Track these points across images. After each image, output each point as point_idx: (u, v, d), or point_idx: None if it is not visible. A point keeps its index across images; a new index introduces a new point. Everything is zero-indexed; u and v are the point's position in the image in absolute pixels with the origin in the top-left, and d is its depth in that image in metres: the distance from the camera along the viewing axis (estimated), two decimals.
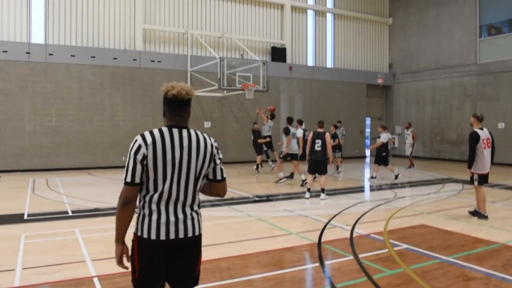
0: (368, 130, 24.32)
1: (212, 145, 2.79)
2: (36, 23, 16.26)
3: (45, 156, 15.90)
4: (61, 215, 8.25)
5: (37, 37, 16.23)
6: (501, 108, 18.83)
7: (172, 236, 2.63)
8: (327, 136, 10.27)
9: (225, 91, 17.48)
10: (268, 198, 10.47)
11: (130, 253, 2.73)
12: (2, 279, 4.86)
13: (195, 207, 2.78)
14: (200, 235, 2.77)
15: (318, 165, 10.30)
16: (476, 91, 19.93)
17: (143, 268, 2.67)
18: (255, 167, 15.56)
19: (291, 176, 13.41)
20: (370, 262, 5.50)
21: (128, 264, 2.77)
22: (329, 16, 22.76)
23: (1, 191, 11.25)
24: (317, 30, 22.35)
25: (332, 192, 11.29)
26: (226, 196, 10.23)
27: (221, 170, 2.86)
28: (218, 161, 2.82)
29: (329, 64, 22.82)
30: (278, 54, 20.44)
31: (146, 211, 2.67)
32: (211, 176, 2.84)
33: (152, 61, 17.58)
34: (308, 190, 10.45)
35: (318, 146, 10.22)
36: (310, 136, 10.40)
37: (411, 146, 17.29)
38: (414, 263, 5.48)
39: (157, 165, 2.61)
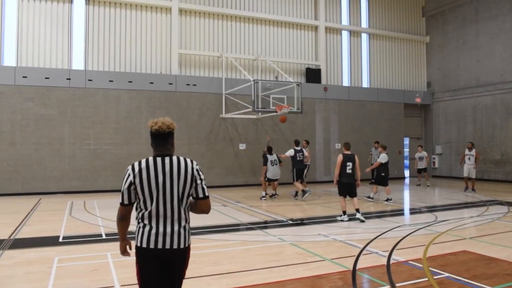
0: (407, 150, 23.67)
1: (192, 168, 3.28)
2: (77, 49, 16.93)
3: (83, 178, 16.30)
4: (95, 238, 8.33)
5: (78, 64, 16.87)
6: None
7: (159, 245, 3.17)
8: (357, 159, 10.33)
9: (259, 113, 17.49)
10: (303, 222, 10.25)
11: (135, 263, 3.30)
12: None
13: (183, 223, 3.25)
14: (186, 247, 3.27)
15: (350, 188, 10.27)
16: None
17: (142, 274, 3.24)
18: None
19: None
20: None
21: (131, 252, 3.45)
22: (364, 36, 22.58)
23: (40, 213, 11.54)
24: (352, 50, 22.19)
25: (369, 215, 10.95)
26: (259, 219, 10.09)
27: (203, 188, 3.31)
28: (199, 181, 3.29)
29: (365, 84, 22.52)
30: (312, 75, 20.36)
31: (141, 224, 3.24)
32: (194, 195, 3.31)
33: (187, 84, 17.87)
34: (344, 213, 10.26)
35: (349, 169, 10.17)
36: (340, 159, 10.25)
37: (474, 168, 16.29)
38: None
39: (143, 189, 3.17)
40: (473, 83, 21.28)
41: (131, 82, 17.01)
